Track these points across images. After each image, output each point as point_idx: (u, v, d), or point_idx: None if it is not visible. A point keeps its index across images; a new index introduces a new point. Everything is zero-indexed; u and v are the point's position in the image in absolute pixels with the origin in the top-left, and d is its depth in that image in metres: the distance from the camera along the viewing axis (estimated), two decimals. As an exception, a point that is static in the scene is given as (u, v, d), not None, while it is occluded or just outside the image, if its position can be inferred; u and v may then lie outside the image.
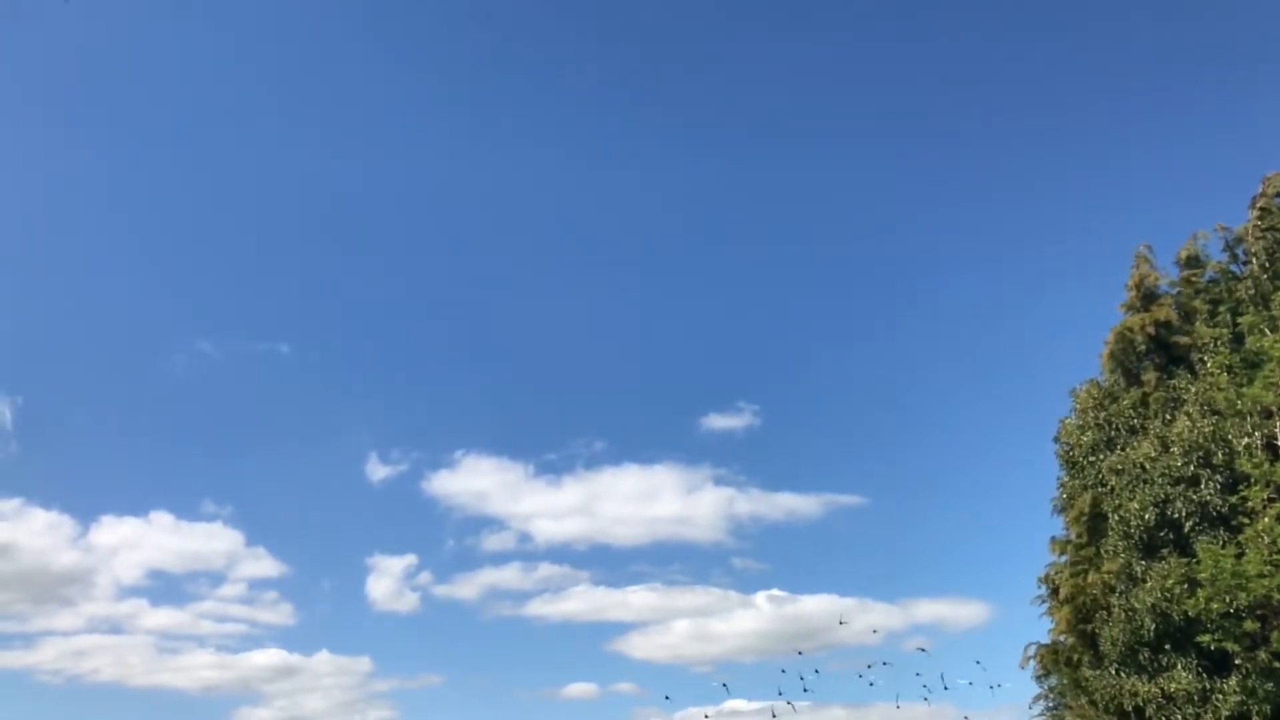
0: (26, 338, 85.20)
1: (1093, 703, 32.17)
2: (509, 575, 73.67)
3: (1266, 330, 30.53)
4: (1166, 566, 30.01)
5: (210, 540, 72.91)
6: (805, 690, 29.65)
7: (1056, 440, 36.70)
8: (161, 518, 73.51)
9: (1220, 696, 28.70)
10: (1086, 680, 32.44)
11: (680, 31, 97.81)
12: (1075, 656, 33.81)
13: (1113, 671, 31.19)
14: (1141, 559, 31.06)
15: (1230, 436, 30.24)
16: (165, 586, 75.56)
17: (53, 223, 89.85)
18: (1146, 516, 31.05)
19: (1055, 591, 35.19)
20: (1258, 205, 34.15)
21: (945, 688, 30.57)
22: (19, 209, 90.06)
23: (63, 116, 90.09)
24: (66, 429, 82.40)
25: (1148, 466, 31.63)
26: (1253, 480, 28.43)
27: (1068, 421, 36.43)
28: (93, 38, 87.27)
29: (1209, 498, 30.25)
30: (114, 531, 72.70)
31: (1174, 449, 31.21)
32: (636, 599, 72.04)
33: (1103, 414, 34.78)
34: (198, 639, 70.64)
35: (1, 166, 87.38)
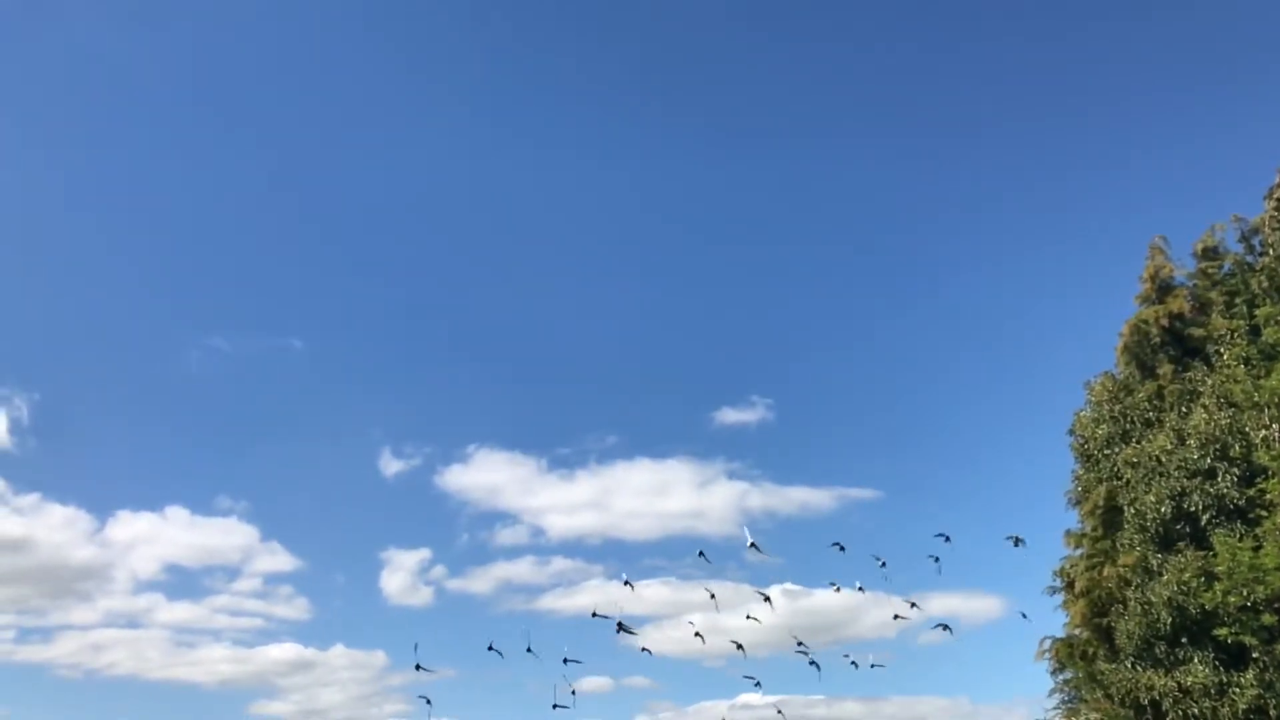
0: (42, 335, 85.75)
1: (1108, 696, 32.06)
2: (522, 569, 73.83)
3: (1284, 322, 30.28)
4: (1183, 560, 29.87)
5: (225, 535, 73.32)
6: (813, 664, 29.49)
7: (1071, 433, 36.55)
8: (177, 513, 73.95)
9: (1237, 690, 28.54)
10: (1102, 674, 32.32)
11: (694, 32, 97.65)
12: (1091, 650, 33.71)
13: (1128, 665, 31.06)
14: (1158, 552, 30.91)
15: (1247, 429, 30.03)
16: (181, 581, 76.05)
17: (66, 221, 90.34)
18: (1163, 509, 30.91)
19: (1070, 585, 35.07)
20: (1274, 196, 33.89)
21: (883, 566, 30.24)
22: (33, 208, 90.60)
23: (76, 115, 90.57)
24: (82, 425, 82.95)
25: (1164, 459, 31.46)
26: (1270, 473, 28.24)
27: (1082, 414, 36.28)
28: (104, 36, 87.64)
29: (1226, 491, 30.08)
30: (130, 526, 73.21)
31: (1190, 442, 31.04)
32: (650, 593, 71.94)
33: (1118, 407, 34.61)
34: (213, 633, 71.07)
35: (15, 165, 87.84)
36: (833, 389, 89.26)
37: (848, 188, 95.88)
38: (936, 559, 29.76)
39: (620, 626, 28.72)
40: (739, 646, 29.46)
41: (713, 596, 30.84)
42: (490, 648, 29.36)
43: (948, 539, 30.57)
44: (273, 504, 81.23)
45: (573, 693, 28.90)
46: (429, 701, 28.77)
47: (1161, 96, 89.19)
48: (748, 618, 29.69)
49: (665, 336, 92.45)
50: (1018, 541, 29.74)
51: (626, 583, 30.29)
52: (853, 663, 29.51)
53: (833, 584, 30.89)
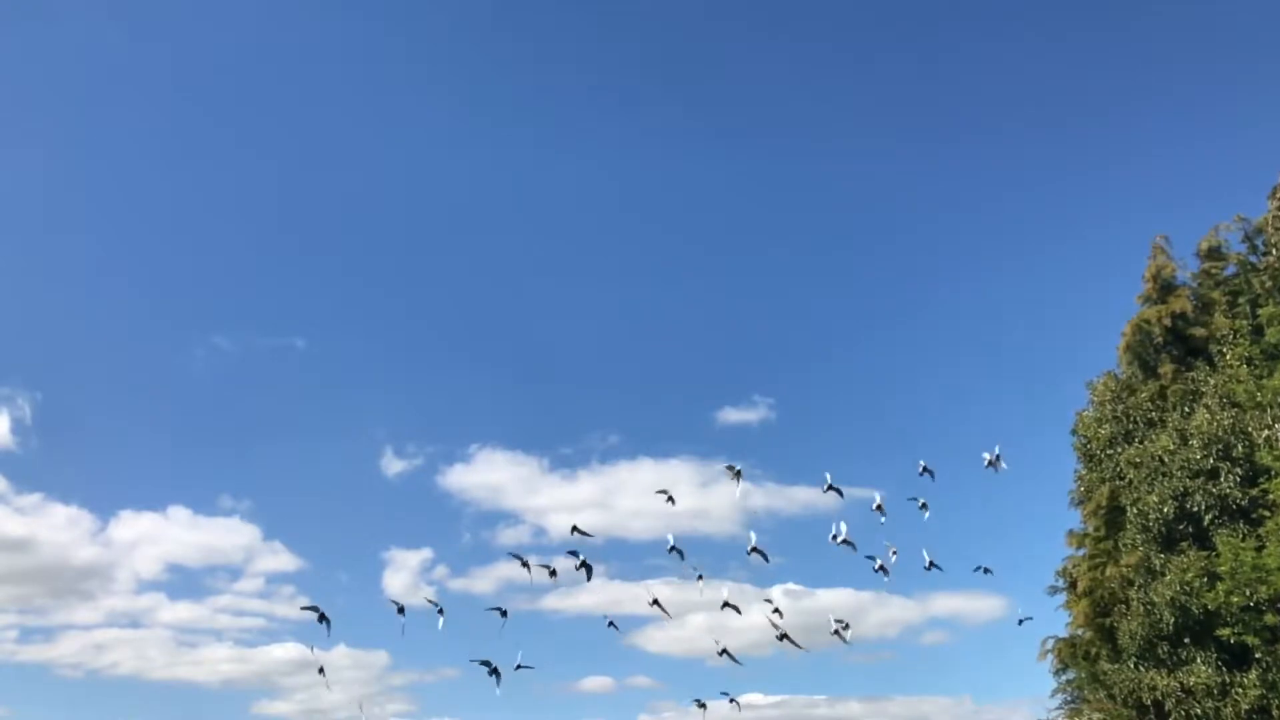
0: (44, 335, 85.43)
1: (1111, 696, 32.09)
2: (524, 569, 73.76)
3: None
4: (1186, 560, 29.87)
5: (228, 534, 73.21)
6: (782, 637, 28.61)
7: (1074, 433, 36.53)
8: (179, 512, 73.84)
9: (1240, 690, 28.55)
10: (1105, 674, 32.33)
11: (701, 35, 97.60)
12: (1093, 650, 33.71)
13: (1131, 665, 31.07)
14: (1160, 552, 30.91)
15: (1250, 429, 30.01)
16: (183, 581, 75.86)
17: (69, 220, 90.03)
18: (1165, 510, 30.89)
19: (1073, 585, 35.08)
20: (1278, 196, 33.87)
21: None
22: (36, 206, 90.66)
23: (75, 114, 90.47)
24: (84, 425, 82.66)
25: (1166, 459, 31.45)
26: (1273, 473, 28.21)
27: (1085, 414, 36.26)
28: (103, 36, 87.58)
29: (1228, 490, 30.07)
30: (132, 526, 73.03)
31: (1193, 441, 31.02)
32: (652, 592, 71.96)
33: (1120, 407, 34.59)
34: (216, 633, 70.98)
35: (15, 164, 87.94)
36: (835, 388, 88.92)
37: (849, 187, 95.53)
38: (924, 505, 29.00)
39: (559, 567, 27.88)
40: (724, 652, 28.86)
41: (673, 555, 29.86)
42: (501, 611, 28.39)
43: (931, 473, 29.41)
44: (275, 504, 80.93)
45: (518, 667, 28.26)
46: (324, 618, 27.80)
47: (1164, 96, 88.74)
48: (719, 651, 28.65)
49: (667, 336, 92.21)
50: (992, 462, 28.93)
51: (575, 530, 29.33)
52: (834, 632, 28.99)
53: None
